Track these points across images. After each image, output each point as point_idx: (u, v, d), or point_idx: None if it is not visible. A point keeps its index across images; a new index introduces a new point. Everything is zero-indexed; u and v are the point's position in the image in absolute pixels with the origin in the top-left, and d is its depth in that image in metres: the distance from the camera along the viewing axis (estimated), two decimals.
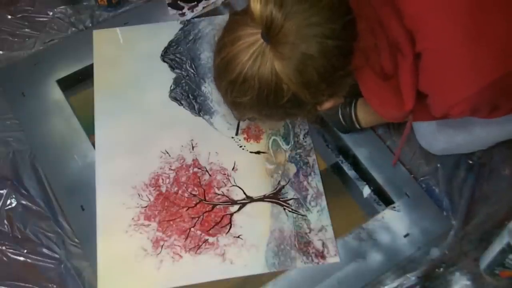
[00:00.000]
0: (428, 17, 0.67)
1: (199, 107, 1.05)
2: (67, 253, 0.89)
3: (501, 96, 0.73)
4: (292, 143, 1.01)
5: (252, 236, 0.90)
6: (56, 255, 0.88)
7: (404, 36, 0.68)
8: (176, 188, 0.95)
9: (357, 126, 0.99)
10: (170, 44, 1.12)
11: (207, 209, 0.93)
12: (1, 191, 0.94)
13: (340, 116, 0.99)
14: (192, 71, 1.09)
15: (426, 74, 0.70)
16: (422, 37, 0.68)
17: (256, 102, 0.70)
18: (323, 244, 0.90)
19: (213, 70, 0.75)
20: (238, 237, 0.90)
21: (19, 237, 0.90)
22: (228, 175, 0.97)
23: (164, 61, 1.10)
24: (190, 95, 1.06)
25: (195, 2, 1.18)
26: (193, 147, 1.00)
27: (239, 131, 1.01)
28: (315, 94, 0.69)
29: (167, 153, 0.99)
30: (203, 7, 1.18)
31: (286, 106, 0.70)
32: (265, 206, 0.94)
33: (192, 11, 1.17)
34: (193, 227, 0.91)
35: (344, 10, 0.69)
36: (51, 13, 1.17)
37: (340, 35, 0.67)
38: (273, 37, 0.65)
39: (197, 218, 0.92)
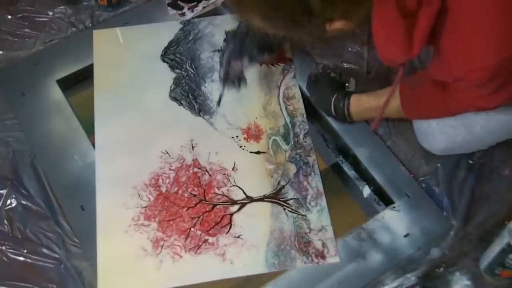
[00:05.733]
0: None
1: (199, 107, 1.05)
2: (67, 253, 0.89)
3: None
4: (292, 143, 1.01)
5: (252, 236, 0.90)
6: (56, 255, 0.88)
7: None
8: (176, 188, 0.95)
9: (348, 120, 1.00)
10: (170, 44, 1.12)
11: (207, 209, 0.93)
12: (1, 191, 0.94)
13: (332, 109, 0.99)
14: (192, 71, 1.09)
15: (451, 32, 0.68)
16: None
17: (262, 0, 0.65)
18: (323, 244, 0.90)
19: None
20: (238, 237, 0.90)
21: (19, 237, 0.90)
22: (228, 175, 0.97)
23: (164, 61, 1.10)
24: (190, 95, 1.06)
25: (195, 2, 1.18)
26: (193, 147, 1.00)
27: (221, 103, 1.02)
28: (327, 2, 0.64)
29: (167, 153, 0.99)
30: (203, 7, 1.18)
31: (293, 9, 0.65)
32: (265, 206, 0.94)
33: (192, 11, 1.17)
34: (193, 227, 0.91)
35: None
36: (51, 13, 1.17)
37: None
38: None
39: (197, 218, 0.92)
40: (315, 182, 0.97)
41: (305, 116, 1.04)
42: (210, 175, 0.97)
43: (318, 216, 0.93)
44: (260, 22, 0.70)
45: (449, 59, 0.72)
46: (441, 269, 0.87)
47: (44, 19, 1.16)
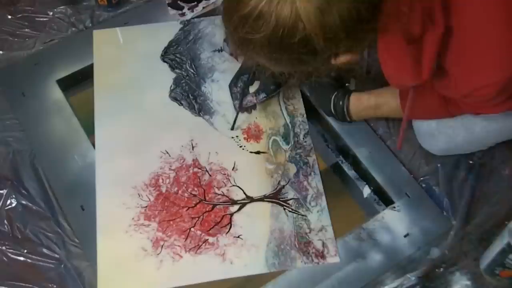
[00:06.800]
0: None
1: (199, 107, 1.05)
2: (67, 253, 0.89)
3: None
4: (292, 143, 1.01)
5: (252, 236, 0.90)
6: (56, 255, 0.88)
7: (439, 4, 0.65)
8: (176, 188, 0.95)
9: (348, 119, 1.00)
10: (170, 44, 1.12)
11: (207, 209, 0.93)
12: (1, 191, 0.94)
13: (332, 108, 0.99)
14: (192, 71, 1.09)
15: (456, 51, 0.68)
16: (459, 11, 0.65)
17: (267, 42, 0.63)
18: (323, 244, 0.90)
19: (223, 2, 0.68)
20: (238, 237, 0.90)
21: (19, 237, 0.90)
22: (228, 175, 0.97)
23: (164, 61, 1.10)
24: (190, 95, 1.06)
25: (195, 2, 1.18)
26: (193, 147, 1.00)
27: (235, 126, 1.01)
28: (330, 42, 0.63)
29: (167, 153, 0.99)
30: (203, 7, 1.18)
31: (298, 50, 0.64)
32: (265, 206, 0.94)
33: (192, 11, 1.17)
34: (193, 227, 0.91)
35: None
36: (51, 13, 1.17)
37: None
38: None
39: (197, 218, 0.92)
40: (315, 182, 0.97)
41: (305, 116, 1.04)
42: (210, 175, 0.97)
43: (318, 216, 0.93)
44: (265, 61, 0.69)
45: (456, 77, 0.72)
46: (441, 269, 0.87)
47: (44, 19, 1.16)
